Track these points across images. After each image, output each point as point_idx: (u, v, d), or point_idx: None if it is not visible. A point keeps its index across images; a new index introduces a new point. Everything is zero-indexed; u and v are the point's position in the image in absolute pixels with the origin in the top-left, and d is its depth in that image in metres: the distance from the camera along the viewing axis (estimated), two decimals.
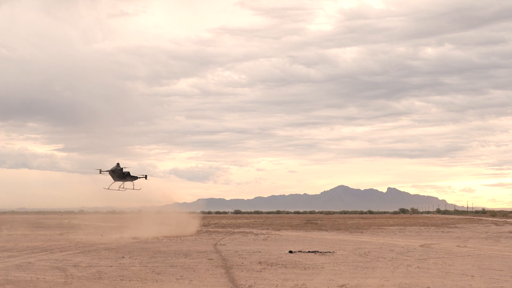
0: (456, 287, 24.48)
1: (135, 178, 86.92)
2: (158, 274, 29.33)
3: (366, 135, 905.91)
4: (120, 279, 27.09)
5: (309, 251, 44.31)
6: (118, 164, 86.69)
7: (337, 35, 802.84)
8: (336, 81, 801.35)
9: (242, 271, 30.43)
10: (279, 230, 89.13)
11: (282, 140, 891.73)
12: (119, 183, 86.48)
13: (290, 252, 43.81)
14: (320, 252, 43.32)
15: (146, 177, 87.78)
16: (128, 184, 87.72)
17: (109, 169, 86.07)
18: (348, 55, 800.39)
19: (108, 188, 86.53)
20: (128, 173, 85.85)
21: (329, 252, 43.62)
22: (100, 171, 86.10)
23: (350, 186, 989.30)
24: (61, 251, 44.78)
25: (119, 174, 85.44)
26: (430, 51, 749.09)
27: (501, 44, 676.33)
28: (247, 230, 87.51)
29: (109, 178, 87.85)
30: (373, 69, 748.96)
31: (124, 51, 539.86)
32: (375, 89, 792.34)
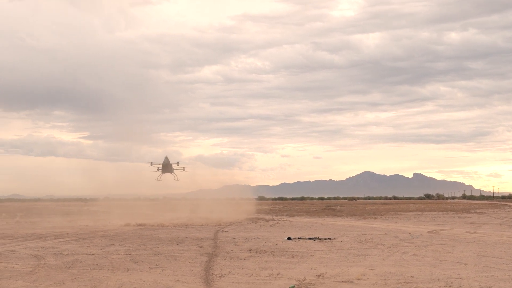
0: (442, 277, 22.69)
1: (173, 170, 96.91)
2: (135, 262, 27.94)
3: (391, 120, 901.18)
4: (91, 269, 25.72)
5: (309, 238, 42.67)
6: (166, 157, 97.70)
7: (360, 21, 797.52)
8: (360, 67, 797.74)
9: (225, 259, 28.92)
10: (293, 216, 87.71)
11: (307, 126, 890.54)
12: (166, 174, 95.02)
13: (289, 239, 42.21)
14: (320, 239, 41.66)
15: (184, 169, 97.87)
16: (171, 175, 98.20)
17: (161, 162, 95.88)
18: (372, 41, 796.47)
19: (157, 179, 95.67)
20: (172, 166, 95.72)
21: (329, 238, 41.95)
22: (151, 164, 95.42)
23: (376, 172, 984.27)
24: (55, 239, 43.68)
25: (168, 167, 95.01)
26: (454, 36, 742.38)
27: None
28: (260, 216, 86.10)
29: (152, 168, 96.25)
30: (397, 55, 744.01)
31: (147, 40, 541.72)
32: (399, 74, 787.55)
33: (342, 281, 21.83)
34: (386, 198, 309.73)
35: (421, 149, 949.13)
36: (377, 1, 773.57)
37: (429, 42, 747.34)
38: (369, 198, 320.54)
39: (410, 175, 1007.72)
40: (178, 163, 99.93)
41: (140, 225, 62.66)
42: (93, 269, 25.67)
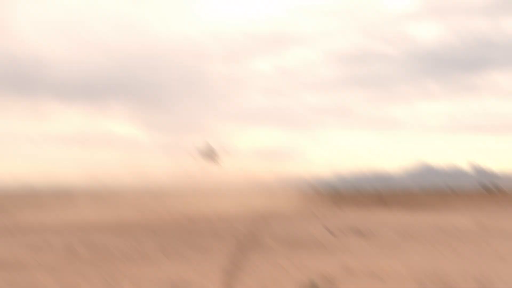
0: (479, 273, 21.39)
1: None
2: (165, 254, 27.34)
3: None
4: (120, 261, 25.27)
5: (353, 230, 41.34)
6: (208, 143, 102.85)
7: None
8: None
9: (257, 252, 28.06)
10: (344, 208, 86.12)
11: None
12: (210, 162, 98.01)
13: (330, 232, 40.98)
14: (363, 232, 40.30)
15: (218, 154, 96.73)
16: (214, 162, 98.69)
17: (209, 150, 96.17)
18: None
19: (199, 168, 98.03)
20: (214, 152, 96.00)
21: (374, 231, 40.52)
22: (199, 152, 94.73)
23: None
24: (99, 230, 43.53)
25: (210, 153, 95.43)
26: None
27: None
28: (313, 208, 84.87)
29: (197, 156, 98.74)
30: None
31: (203, 33, 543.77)
32: None
33: (369, 276, 20.79)
34: None
35: None
36: None
37: None
38: None
39: None
40: (225, 149, 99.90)
41: (187, 216, 62.35)
42: (122, 261, 25.22)
